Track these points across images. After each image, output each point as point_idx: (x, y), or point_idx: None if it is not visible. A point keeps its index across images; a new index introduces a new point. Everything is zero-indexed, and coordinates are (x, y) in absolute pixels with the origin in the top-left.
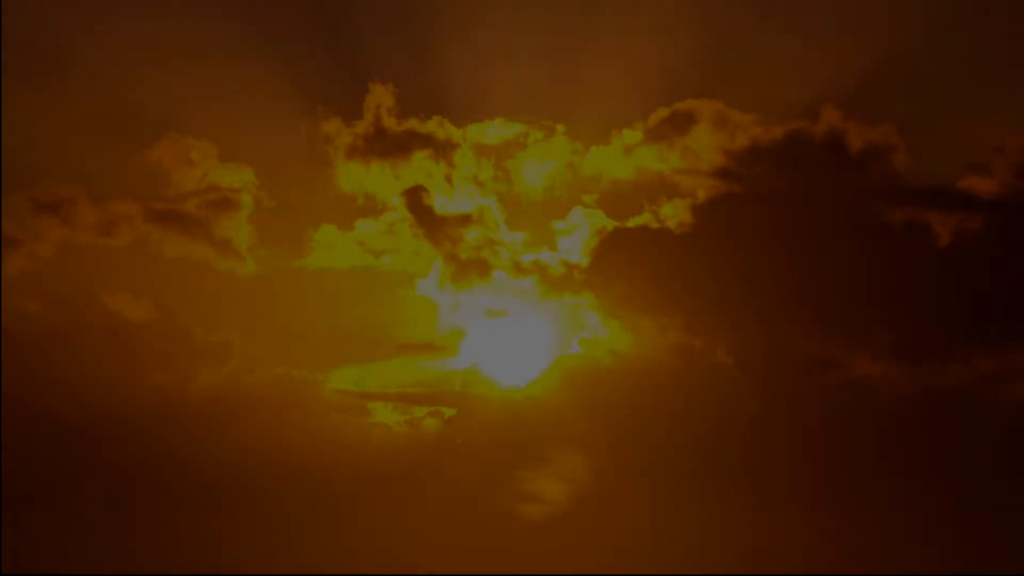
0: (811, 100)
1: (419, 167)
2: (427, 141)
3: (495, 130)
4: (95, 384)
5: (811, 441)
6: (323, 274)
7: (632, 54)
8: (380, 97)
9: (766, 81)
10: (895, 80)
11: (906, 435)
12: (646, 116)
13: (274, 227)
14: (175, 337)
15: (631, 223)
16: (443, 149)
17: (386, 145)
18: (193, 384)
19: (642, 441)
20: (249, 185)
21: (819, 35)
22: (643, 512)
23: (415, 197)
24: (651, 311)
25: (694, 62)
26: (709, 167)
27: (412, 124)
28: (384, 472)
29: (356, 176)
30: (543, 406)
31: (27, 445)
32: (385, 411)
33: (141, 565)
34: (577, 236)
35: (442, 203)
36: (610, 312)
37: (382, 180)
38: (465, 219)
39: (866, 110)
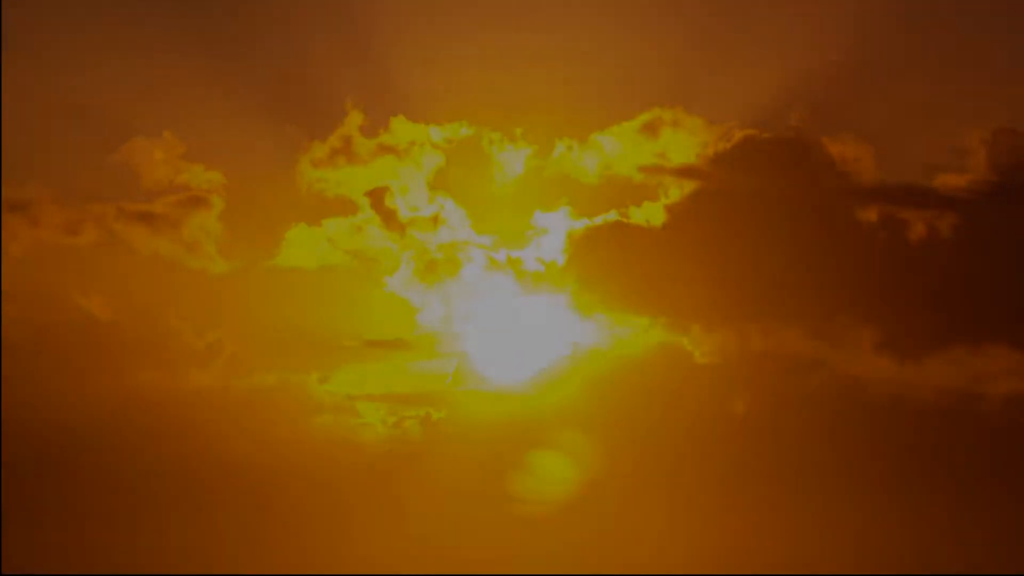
0: (779, 105)
1: (384, 168)
2: (392, 147)
3: (460, 131)
4: (76, 384)
5: (796, 439)
6: (296, 273)
7: (602, 58)
8: (351, 118)
9: (733, 87)
10: (859, 82)
11: (891, 433)
12: (618, 120)
13: (244, 226)
14: (149, 337)
15: (604, 222)
16: (408, 150)
17: (351, 156)
18: (177, 384)
19: (632, 442)
20: (218, 185)
21: (784, 40)
22: (636, 512)
23: (381, 197)
24: (627, 310)
25: (662, 66)
26: (680, 170)
27: (382, 139)
28: (373, 473)
29: (323, 178)
30: (531, 407)
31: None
32: (374, 412)
33: (137, 566)
34: (549, 236)
35: (409, 203)
36: (587, 312)
37: (349, 181)
38: (433, 219)
39: (834, 112)
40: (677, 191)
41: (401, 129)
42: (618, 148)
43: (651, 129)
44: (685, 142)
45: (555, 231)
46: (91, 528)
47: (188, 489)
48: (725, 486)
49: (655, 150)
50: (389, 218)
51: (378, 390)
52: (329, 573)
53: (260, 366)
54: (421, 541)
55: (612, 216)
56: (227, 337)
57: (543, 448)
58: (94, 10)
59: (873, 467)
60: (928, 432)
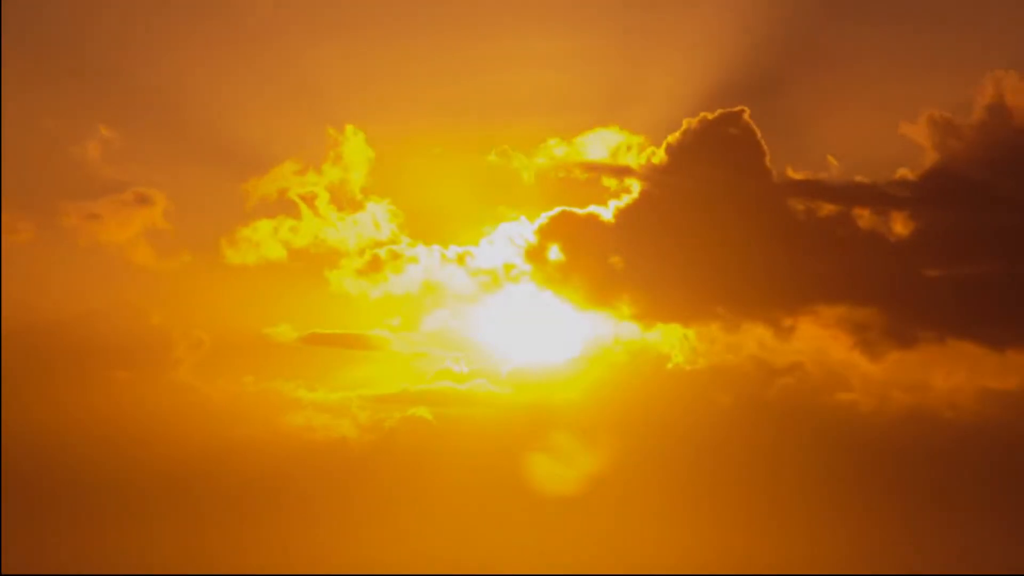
0: (727, 105)
1: (327, 171)
2: (334, 151)
3: (399, 135)
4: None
5: (779, 442)
6: (242, 270)
7: (546, 64)
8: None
9: (680, 88)
10: (799, 81)
11: (871, 431)
12: (564, 123)
13: (188, 224)
14: (110, 336)
15: (549, 220)
16: (352, 153)
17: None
18: (149, 384)
19: (618, 441)
20: (162, 184)
21: (724, 43)
22: (624, 512)
23: (321, 198)
24: (585, 308)
25: (609, 69)
26: (623, 170)
27: (325, 142)
28: (358, 473)
29: (267, 184)
30: (513, 407)
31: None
32: (355, 412)
33: (135, 566)
34: (500, 236)
35: (353, 203)
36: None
37: (293, 184)
38: (372, 218)
39: (781, 110)
40: (627, 193)
41: (342, 134)
42: (564, 150)
43: (599, 134)
44: (634, 145)
45: (505, 231)
46: (90, 528)
47: (183, 489)
48: (717, 485)
49: (605, 153)
50: (327, 219)
51: (355, 390)
52: (322, 573)
53: (230, 365)
54: (408, 541)
55: (558, 212)
56: (192, 335)
57: (530, 448)
58: (30, 10)
59: (855, 465)
60: (903, 429)
